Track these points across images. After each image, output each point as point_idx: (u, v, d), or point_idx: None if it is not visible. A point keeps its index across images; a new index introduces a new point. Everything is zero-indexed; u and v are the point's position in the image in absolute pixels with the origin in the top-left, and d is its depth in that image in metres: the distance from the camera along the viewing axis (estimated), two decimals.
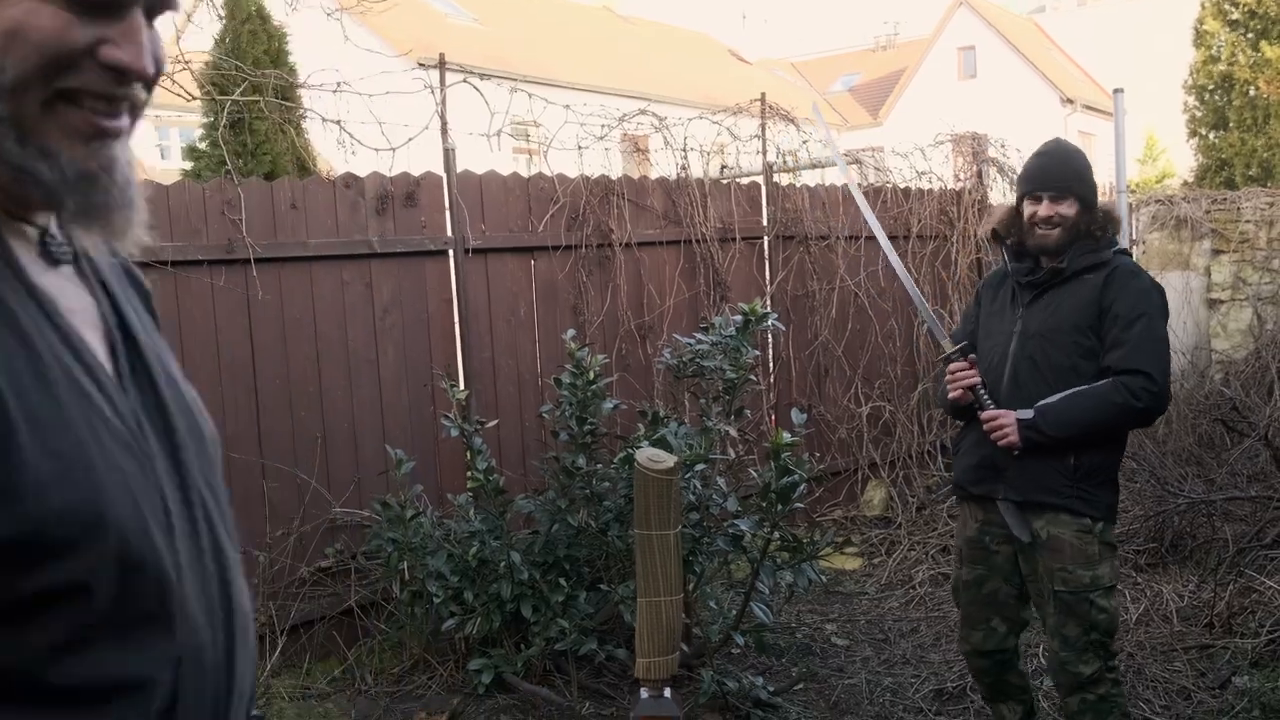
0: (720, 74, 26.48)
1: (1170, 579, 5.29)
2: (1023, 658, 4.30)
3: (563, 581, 4.31)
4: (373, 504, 4.48)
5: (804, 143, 6.74)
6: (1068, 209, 3.09)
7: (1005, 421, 3.05)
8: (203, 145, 6.36)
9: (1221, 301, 9.66)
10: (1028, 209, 3.16)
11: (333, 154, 5.05)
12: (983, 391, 3.17)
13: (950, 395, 3.23)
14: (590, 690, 4.34)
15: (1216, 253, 9.70)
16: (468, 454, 4.93)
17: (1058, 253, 3.13)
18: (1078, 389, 3.02)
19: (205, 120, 6.12)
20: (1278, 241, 9.33)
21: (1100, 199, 3.21)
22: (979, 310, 3.43)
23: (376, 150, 4.83)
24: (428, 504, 4.64)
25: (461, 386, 4.85)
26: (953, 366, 3.23)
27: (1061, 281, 3.13)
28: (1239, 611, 4.71)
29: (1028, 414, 3.04)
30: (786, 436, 3.62)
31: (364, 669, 4.53)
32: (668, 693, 2.14)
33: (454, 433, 4.40)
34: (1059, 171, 3.14)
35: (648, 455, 2.07)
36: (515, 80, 5.48)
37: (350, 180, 4.73)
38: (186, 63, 4.39)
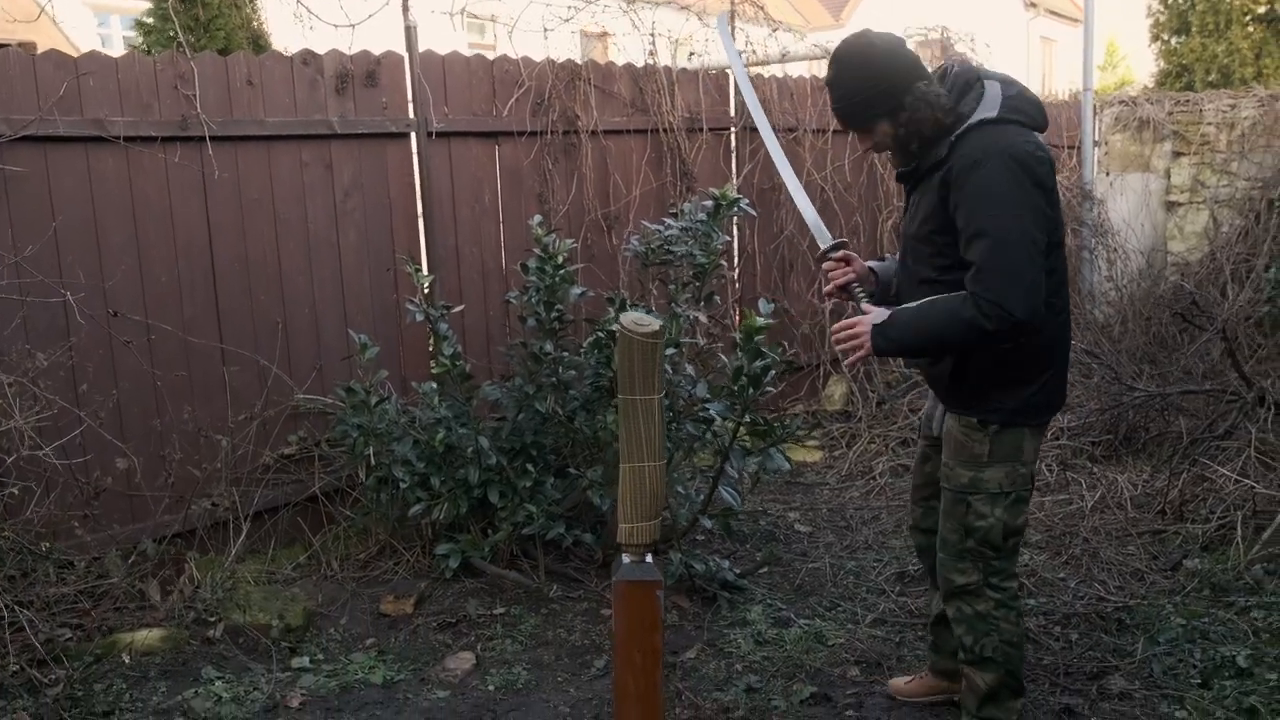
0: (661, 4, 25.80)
1: (1125, 469, 5.40)
2: None
3: (530, 467, 4.30)
4: (336, 390, 4.42)
5: (773, 31, 6.60)
6: (880, 134, 2.77)
7: (860, 330, 2.76)
8: (150, 20, 6.07)
9: (1180, 204, 9.71)
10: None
11: (289, 31, 4.85)
12: (858, 289, 2.94)
13: (825, 292, 3.04)
14: (557, 574, 4.37)
15: (1177, 155, 9.71)
16: (431, 341, 4.88)
17: (908, 159, 2.82)
18: (935, 297, 2.71)
19: None
20: (1237, 144, 9.35)
21: (935, 67, 2.81)
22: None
23: (335, 26, 4.65)
24: (392, 391, 4.59)
25: (425, 272, 4.75)
26: (825, 265, 3.00)
27: (920, 179, 2.83)
28: (1191, 499, 4.82)
29: (883, 315, 2.76)
30: (759, 320, 3.59)
31: (329, 555, 4.52)
32: (649, 558, 2.13)
33: (419, 318, 4.34)
34: (844, 111, 2.79)
35: (632, 319, 2.03)
36: None
37: (308, 57, 4.55)
38: None
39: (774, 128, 6.49)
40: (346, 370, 4.66)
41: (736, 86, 6.41)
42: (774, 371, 3.73)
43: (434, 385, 4.54)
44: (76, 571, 3.88)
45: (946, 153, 2.68)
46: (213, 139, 4.26)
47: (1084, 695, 3.32)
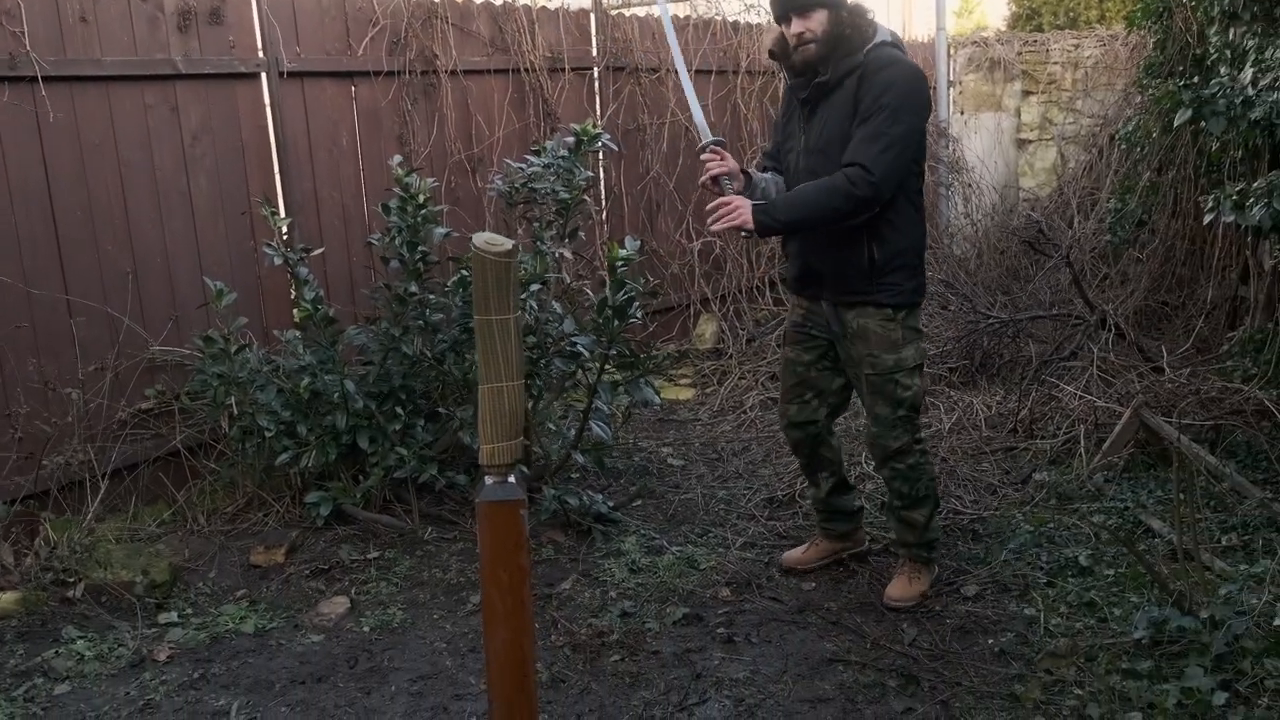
0: None
1: (980, 393, 5.64)
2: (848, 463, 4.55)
3: (399, 410, 4.26)
4: (194, 340, 4.29)
5: None
6: (816, 22, 3.15)
7: (738, 203, 3.12)
8: None
9: (1030, 141, 10.09)
10: (786, 32, 3.22)
11: None
12: (728, 182, 3.25)
13: (700, 181, 3.33)
14: (432, 517, 4.36)
15: (1026, 94, 10.07)
16: (292, 288, 4.77)
17: (822, 65, 3.19)
18: (812, 182, 3.16)
19: None
20: (1082, 83, 9.75)
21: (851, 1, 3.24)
22: (780, 121, 3.54)
23: None
24: (253, 339, 4.47)
25: (283, 215, 4.62)
26: (704, 156, 3.29)
27: (828, 93, 3.21)
28: (1040, 417, 5.07)
29: (761, 205, 3.14)
30: (622, 251, 3.61)
31: (195, 510, 4.40)
32: (512, 478, 2.15)
33: (277, 261, 4.23)
34: None
35: (484, 239, 2.02)
36: None
37: None
38: None
39: (637, 67, 6.52)
40: (204, 321, 4.51)
41: (598, 26, 6.38)
42: (638, 302, 3.76)
43: (297, 333, 4.45)
44: None
45: (861, 59, 3.15)
46: (45, 79, 4.03)
47: (939, 600, 3.49)
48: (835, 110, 3.20)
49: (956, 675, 3.01)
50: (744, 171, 3.38)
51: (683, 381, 6.54)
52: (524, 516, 2.14)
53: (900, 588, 3.50)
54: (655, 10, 6.99)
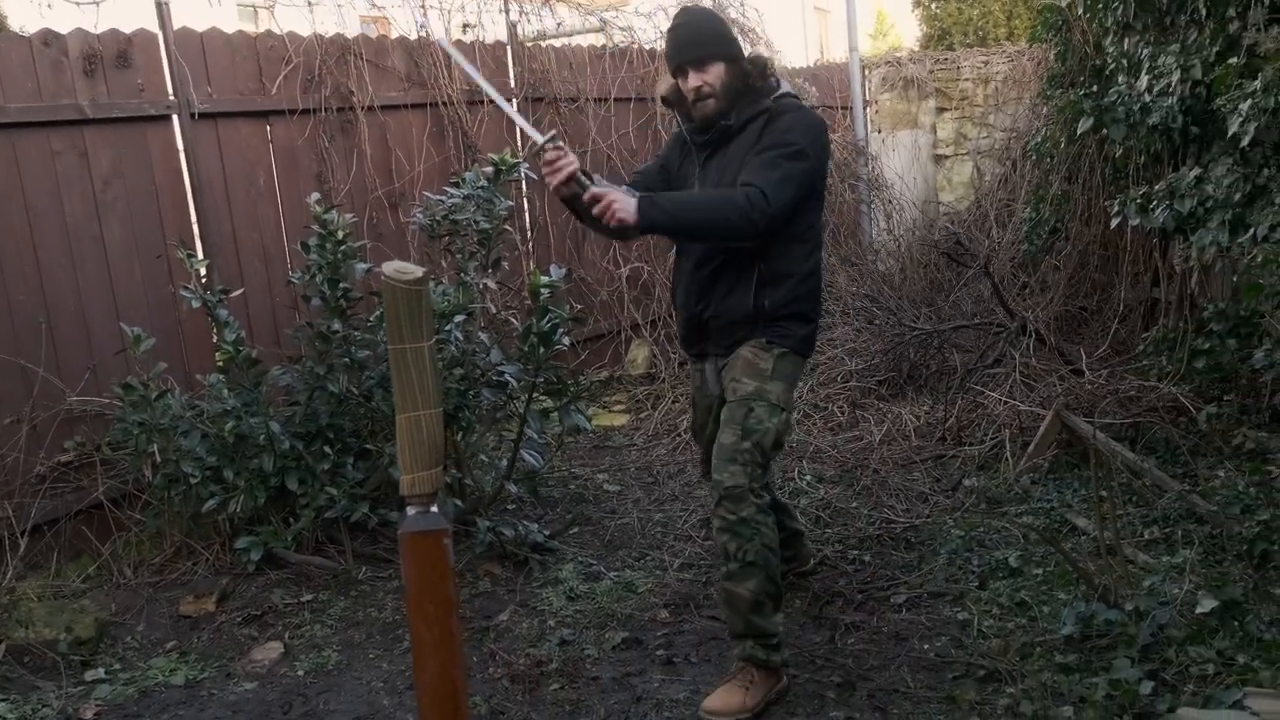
0: None
1: (908, 404, 5.72)
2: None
3: (328, 450, 4.21)
4: (113, 388, 4.19)
5: (546, 2, 6.62)
6: (713, 75, 3.04)
7: (614, 197, 2.86)
8: None
9: (946, 157, 10.32)
10: (683, 86, 3.10)
11: (24, 12, 4.54)
12: (583, 177, 2.94)
13: (552, 186, 2.98)
14: (366, 556, 4.30)
15: (941, 110, 10.31)
16: (214, 330, 4.70)
17: (722, 118, 3.09)
18: (708, 190, 3.05)
19: None
20: (992, 98, 10.01)
21: (751, 51, 3.17)
22: (666, 158, 3.36)
23: (78, 3, 4.38)
24: (174, 385, 4.39)
25: (200, 257, 4.56)
26: (548, 158, 2.91)
27: (730, 138, 3.11)
28: (967, 425, 5.15)
29: (648, 198, 2.90)
30: (544, 278, 3.61)
31: (121, 563, 4.29)
32: (434, 507, 2.13)
33: (195, 304, 4.16)
34: (692, 40, 3.07)
35: (395, 267, 2.01)
36: None
37: (49, 38, 4.27)
38: None
39: (555, 97, 6.56)
40: (123, 368, 4.42)
41: (514, 57, 6.41)
42: (563, 329, 3.77)
43: (220, 377, 4.37)
44: None
45: (769, 104, 3.07)
46: None
47: (874, 610, 3.52)
48: (737, 154, 3.08)
49: (893, 681, 3.04)
50: (583, 172, 3.01)
51: (616, 408, 6.55)
52: (448, 546, 2.12)
53: (720, 697, 2.96)
54: (572, 41, 7.05)
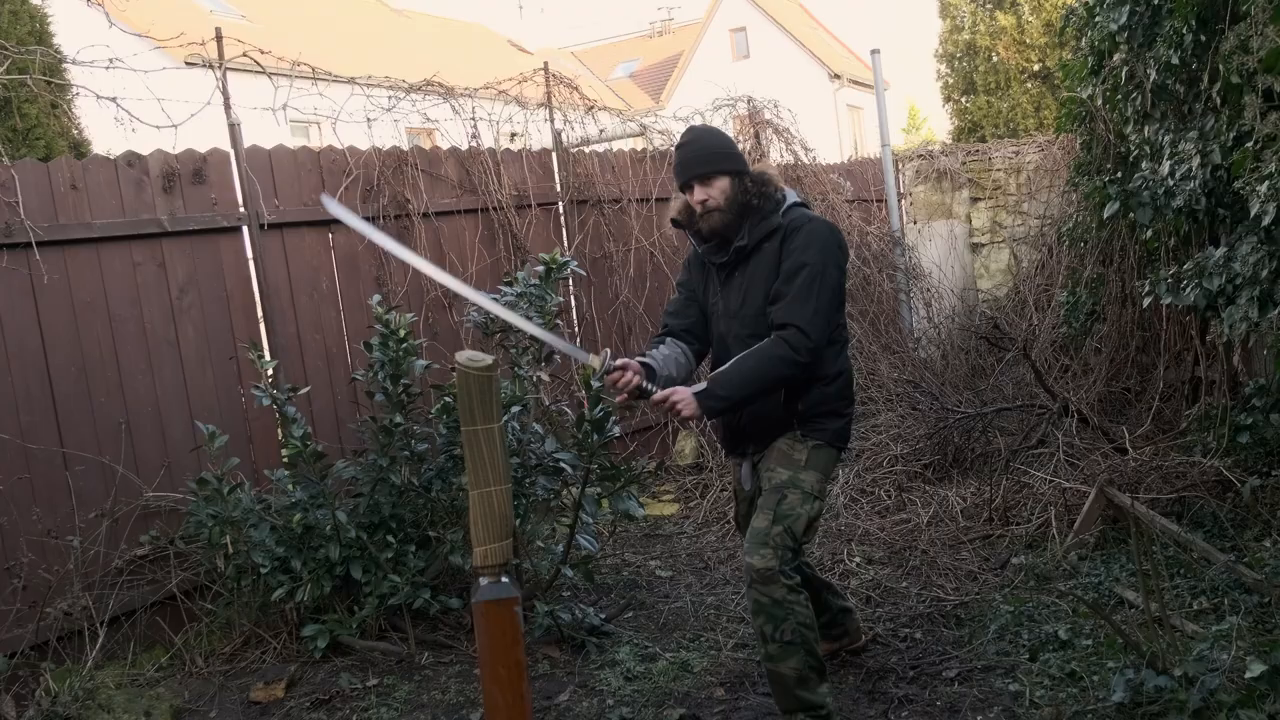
0: (502, 65, 26.26)
1: (954, 486, 5.79)
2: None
3: (390, 539, 4.37)
4: (188, 484, 4.41)
5: (589, 110, 6.96)
6: (718, 189, 3.25)
7: (676, 398, 3.09)
8: None
9: (982, 245, 10.51)
10: (690, 200, 3.32)
11: (110, 135, 4.89)
12: (647, 385, 3.15)
13: (618, 401, 3.27)
14: (428, 643, 4.42)
15: (975, 200, 10.54)
16: (279, 429, 4.92)
17: (729, 231, 3.28)
18: (746, 353, 3.17)
19: None
20: (1025, 186, 10.23)
21: (755, 166, 3.37)
22: (687, 280, 3.56)
23: (158, 127, 4.72)
24: (244, 480, 4.60)
25: (269, 357, 4.81)
26: (611, 378, 3.15)
27: (746, 258, 3.29)
28: (1013, 505, 5.22)
29: (701, 385, 3.14)
30: (595, 365, 3.79)
31: (193, 652, 4.45)
32: (505, 578, 2.28)
33: (265, 402, 4.39)
34: (697, 157, 3.29)
35: (467, 356, 2.20)
36: (289, 70, 5.37)
37: (133, 159, 4.61)
38: None
39: (599, 199, 6.85)
40: (195, 466, 4.64)
41: (560, 163, 6.72)
42: (614, 417, 3.94)
43: (285, 472, 4.58)
44: None
45: (781, 221, 3.26)
46: (39, 244, 4.26)
47: (927, 684, 3.58)
48: (757, 272, 3.26)
49: None
50: (642, 363, 3.25)
51: (665, 497, 6.67)
52: (518, 613, 2.26)
53: None
54: (614, 146, 7.37)
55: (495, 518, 2.26)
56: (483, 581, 2.26)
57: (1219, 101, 4.27)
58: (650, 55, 34.90)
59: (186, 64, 5.01)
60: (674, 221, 3.44)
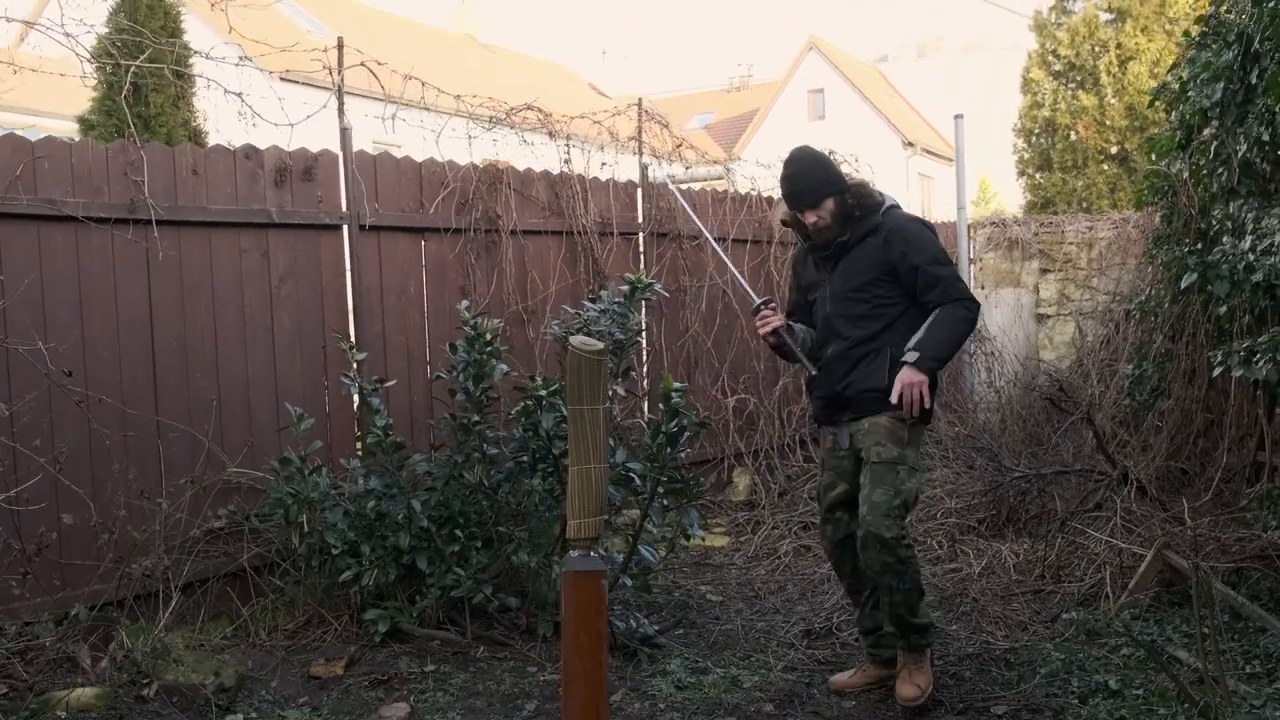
0: (584, 104, 26.99)
1: (1008, 542, 5.82)
2: None
3: (459, 533, 4.52)
4: (271, 464, 4.60)
5: (677, 146, 7.17)
6: (826, 210, 3.78)
7: (906, 381, 3.65)
8: (92, 117, 6.33)
9: (1048, 316, 10.55)
10: (803, 220, 3.84)
11: (231, 128, 5.17)
12: (785, 332, 3.84)
13: (762, 334, 3.91)
14: (484, 639, 4.54)
15: (1044, 272, 10.59)
16: (356, 423, 5.12)
17: (841, 233, 3.81)
18: (929, 321, 3.72)
19: (95, 95, 6.11)
20: (1096, 262, 10.27)
21: (853, 179, 3.89)
22: (799, 279, 4.12)
23: (276, 125, 4.98)
24: (324, 463, 4.78)
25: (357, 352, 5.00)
26: (760, 316, 3.87)
27: (849, 249, 3.81)
28: (1066, 564, 5.25)
29: (913, 355, 3.66)
30: (675, 383, 3.94)
31: (258, 625, 4.61)
32: (593, 553, 2.41)
33: (353, 390, 4.57)
34: (806, 186, 3.80)
35: (580, 340, 2.36)
36: (400, 88, 5.64)
37: (250, 151, 4.87)
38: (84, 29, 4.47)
39: (679, 234, 7.03)
40: (276, 449, 4.82)
41: (643, 195, 6.92)
42: (688, 433, 4.07)
43: (359, 464, 4.76)
44: (8, 635, 3.93)
45: (880, 219, 3.79)
46: (158, 223, 4.51)
47: (975, 718, 3.64)
48: (859, 262, 3.80)
49: None
50: (787, 324, 3.93)
51: (717, 530, 6.75)
52: (604, 586, 2.39)
53: (908, 688, 3.73)
54: (695, 184, 7.57)
55: (592, 494, 2.39)
56: (574, 553, 2.39)
57: None
58: (726, 110, 35.38)
59: (302, 82, 5.27)
60: (783, 222, 4.02)
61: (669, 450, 4.06)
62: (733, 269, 4.45)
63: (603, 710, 2.36)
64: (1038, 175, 17.02)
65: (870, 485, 3.69)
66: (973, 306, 3.75)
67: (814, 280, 3.97)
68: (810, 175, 3.80)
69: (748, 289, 4.20)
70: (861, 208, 3.78)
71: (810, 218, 3.79)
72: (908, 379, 3.64)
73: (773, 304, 3.94)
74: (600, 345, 2.36)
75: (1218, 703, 3.22)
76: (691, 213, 4.25)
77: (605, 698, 2.37)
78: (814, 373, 3.86)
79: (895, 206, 3.86)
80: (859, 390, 3.75)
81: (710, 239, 4.23)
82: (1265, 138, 4.49)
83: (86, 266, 4.36)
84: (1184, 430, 6.86)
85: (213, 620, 4.65)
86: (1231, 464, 6.35)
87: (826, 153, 8.44)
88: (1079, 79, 16.64)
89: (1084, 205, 15.84)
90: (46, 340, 4.19)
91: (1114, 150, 16.14)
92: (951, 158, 9.42)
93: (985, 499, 6.34)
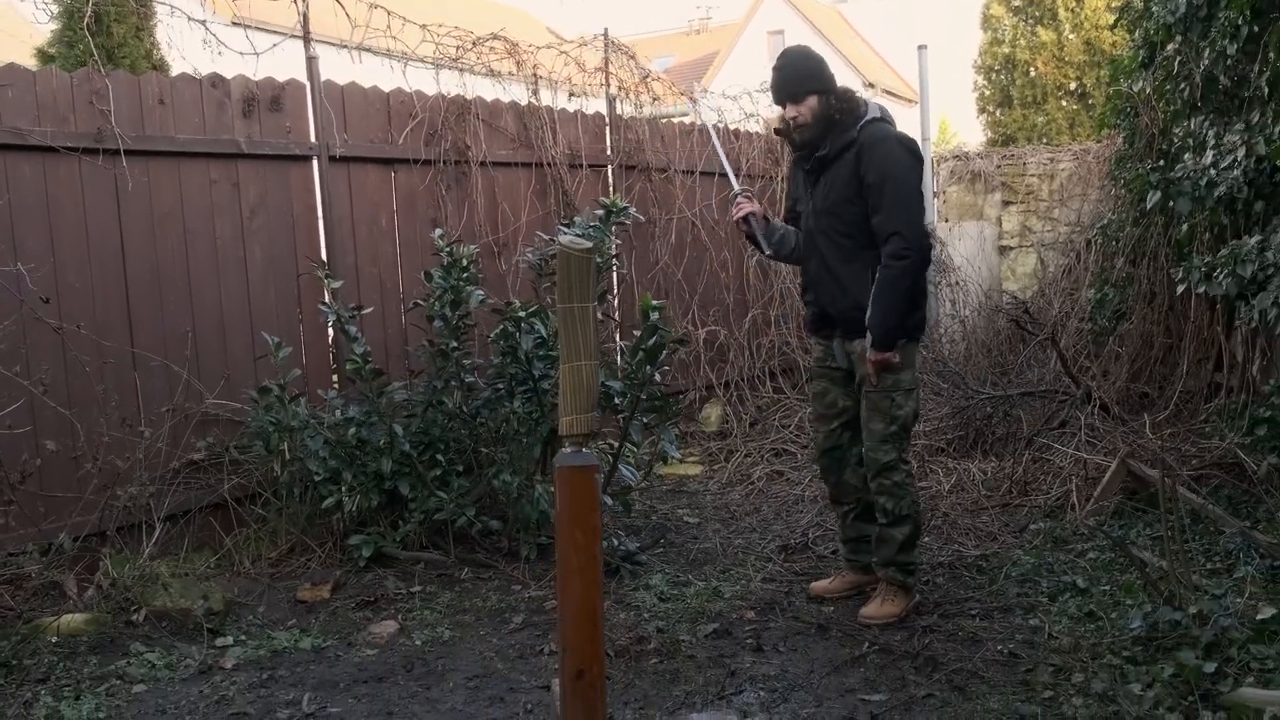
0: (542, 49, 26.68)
1: (976, 461, 5.96)
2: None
3: (440, 458, 4.56)
4: (249, 394, 4.60)
5: (644, 78, 7.14)
6: (807, 107, 3.74)
7: (876, 360, 3.68)
8: (52, 50, 6.20)
9: (1011, 248, 10.68)
10: (784, 115, 3.83)
11: (196, 57, 5.10)
12: (754, 219, 3.93)
13: (733, 218, 4.01)
14: (468, 561, 4.61)
15: (1006, 204, 10.71)
16: (331, 356, 5.13)
17: (816, 142, 3.78)
18: (872, 292, 3.67)
19: (55, 26, 5.97)
20: (1058, 193, 10.39)
21: (840, 85, 3.83)
22: (793, 196, 4.12)
23: (241, 54, 4.92)
24: (301, 394, 4.79)
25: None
26: (738, 200, 3.97)
27: (828, 164, 3.78)
28: (1033, 479, 5.39)
29: (867, 337, 3.68)
30: (653, 300, 3.99)
31: (241, 554, 4.64)
32: (586, 449, 2.47)
33: (331, 318, 4.58)
34: (789, 79, 3.78)
35: (569, 239, 2.39)
36: (352, 21, 5.56)
37: (217, 80, 4.81)
38: None
39: (647, 166, 7.03)
40: (253, 382, 4.81)
41: (612, 127, 6.91)
42: (666, 350, 4.12)
43: (336, 395, 4.77)
44: None
45: (856, 135, 3.72)
46: (126, 152, 4.46)
47: (950, 616, 3.76)
48: (837, 178, 3.77)
49: (971, 669, 3.27)
50: (764, 217, 4.03)
51: (690, 460, 6.84)
52: (597, 481, 2.45)
53: (874, 607, 3.82)
54: (662, 113, 7.55)
55: (583, 390, 2.44)
56: (567, 449, 2.44)
57: (1266, 92, 4.43)
58: (686, 52, 35.10)
59: (259, 26, 5.18)
60: (776, 130, 4.01)
61: (648, 368, 4.11)
62: (732, 174, 4.41)
63: (598, 604, 2.43)
64: (998, 112, 17.13)
65: (868, 413, 3.79)
66: (909, 252, 3.59)
67: (799, 195, 4.01)
68: (796, 69, 3.79)
69: (732, 177, 4.25)
70: (844, 112, 3.74)
71: (790, 111, 3.76)
72: (871, 359, 3.68)
73: (750, 193, 4.01)
74: (589, 244, 2.39)
75: (1181, 593, 3.35)
76: (725, 162, 4.31)
77: (600, 592, 2.44)
78: (767, 252, 3.99)
79: (878, 119, 3.77)
80: (842, 308, 3.79)
81: (733, 178, 4.21)
82: (1230, 50, 4.56)
83: (55, 196, 4.31)
84: (1144, 354, 7.01)
85: (196, 551, 4.67)
86: (1190, 387, 6.52)
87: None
88: (1038, 14, 16.69)
89: (1044, 141, 15.95)
90: (18, 269, 4.15)
91: (1073, 86, 16.26)
92: (912, 98, 9.49)
93: (952, 421, 6.47)
